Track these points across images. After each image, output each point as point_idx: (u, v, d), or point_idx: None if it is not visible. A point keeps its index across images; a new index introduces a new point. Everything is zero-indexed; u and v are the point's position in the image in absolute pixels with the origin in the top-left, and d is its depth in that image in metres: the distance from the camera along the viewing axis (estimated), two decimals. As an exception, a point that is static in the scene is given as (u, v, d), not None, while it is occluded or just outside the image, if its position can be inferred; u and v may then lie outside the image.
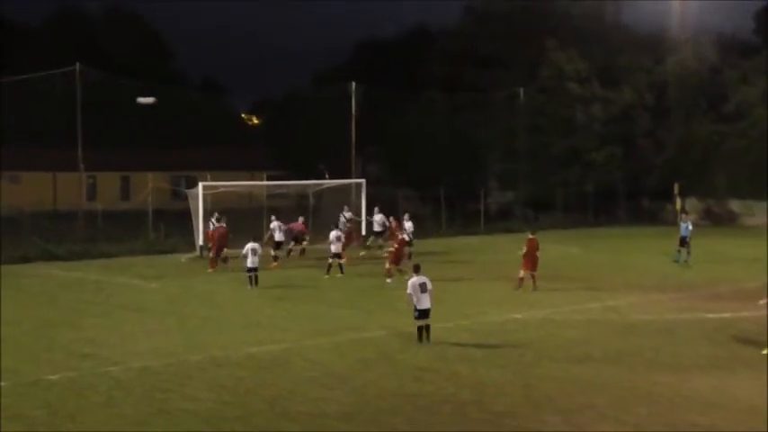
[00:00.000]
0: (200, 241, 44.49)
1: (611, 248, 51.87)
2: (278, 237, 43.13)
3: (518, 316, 28.94)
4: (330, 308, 30.82)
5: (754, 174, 65.93)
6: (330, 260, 38.37)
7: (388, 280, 36.12)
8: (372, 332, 26.20)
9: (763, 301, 24.17)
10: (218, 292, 34.26)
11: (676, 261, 43.25)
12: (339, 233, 39.36)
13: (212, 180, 48.12)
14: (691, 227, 43.82)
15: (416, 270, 24.89)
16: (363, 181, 52.56)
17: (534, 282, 34.14)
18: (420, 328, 24.34)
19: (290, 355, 23.11)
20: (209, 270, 39.71)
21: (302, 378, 20.82)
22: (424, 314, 24.29)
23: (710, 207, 70.44)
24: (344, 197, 51.64)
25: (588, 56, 71.42)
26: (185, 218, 46.98)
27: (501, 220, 64.54)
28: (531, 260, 34.40)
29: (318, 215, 48.90)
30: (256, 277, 34.76)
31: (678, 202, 66.49)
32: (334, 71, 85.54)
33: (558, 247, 47.96)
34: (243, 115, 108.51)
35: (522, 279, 34.22)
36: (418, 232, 47.40)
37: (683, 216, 46.47)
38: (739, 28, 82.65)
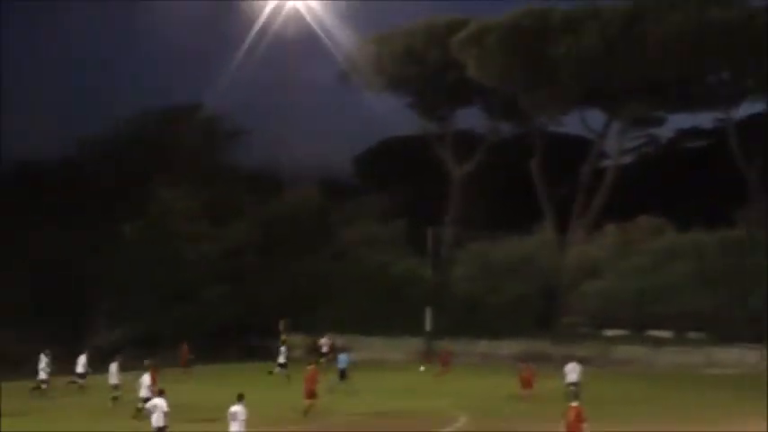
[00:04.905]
0: None
1: (221, 385, 51.40)
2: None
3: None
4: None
5: (357, 310, 68.46)
6: (140, 404, 37.13)
7: None
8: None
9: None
10: None
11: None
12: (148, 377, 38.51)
13: None
14: (344, 357, 50.16)
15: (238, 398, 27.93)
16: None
17: (309, 409, 38.08)
18: None
19: None
20: None
21: None
22: None
23: (316, 342, 72.04)
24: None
25: (197, 194, 71.82)
26: None
27: (111, 359, 62.26)
28: (308, 388, 38.84)
29: None
30: None
31: (283, 338, 67.74)
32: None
33: (170, 386, 46.82)
34: None
35: (310, 405, 38.25)
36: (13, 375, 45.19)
37: (341, 350, 53.22)
38: (341, 172, 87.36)
